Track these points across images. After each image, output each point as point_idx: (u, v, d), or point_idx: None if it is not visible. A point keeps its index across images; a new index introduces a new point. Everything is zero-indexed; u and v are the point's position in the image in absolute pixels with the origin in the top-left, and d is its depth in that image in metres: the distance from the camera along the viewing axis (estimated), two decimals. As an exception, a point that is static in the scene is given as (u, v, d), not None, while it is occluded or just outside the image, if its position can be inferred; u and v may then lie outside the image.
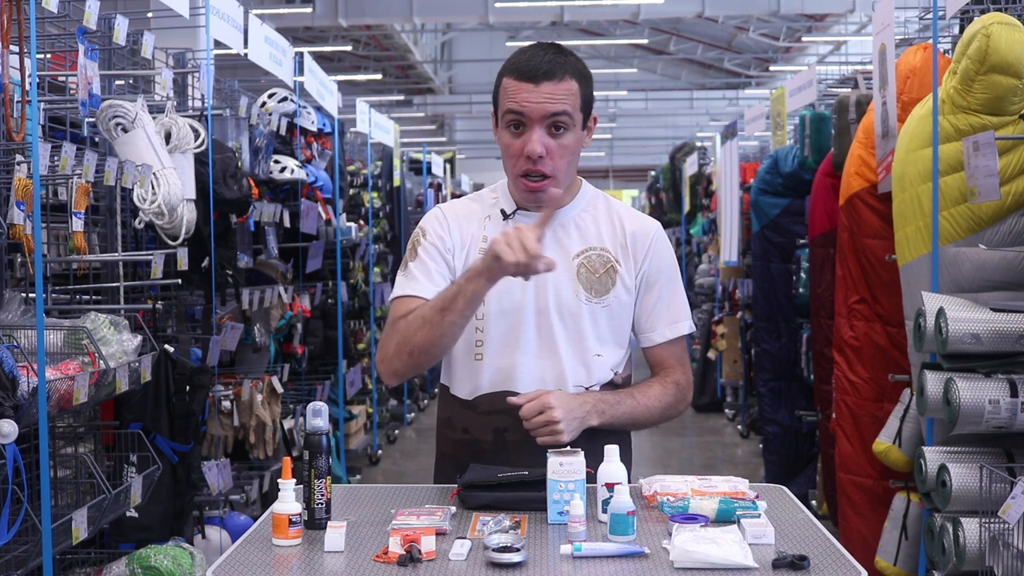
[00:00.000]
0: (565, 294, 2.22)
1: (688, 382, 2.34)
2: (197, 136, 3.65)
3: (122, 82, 4.21)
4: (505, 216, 2.29)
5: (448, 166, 12.45)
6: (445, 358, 2.29)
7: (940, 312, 3.01)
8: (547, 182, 2.19)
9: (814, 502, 5.50)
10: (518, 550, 1.73)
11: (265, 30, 4.94)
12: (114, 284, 3.65)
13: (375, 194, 8.18)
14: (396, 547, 1.78)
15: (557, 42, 2.29)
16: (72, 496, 3.36)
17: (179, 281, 3.70)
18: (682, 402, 2.32)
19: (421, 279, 2.23)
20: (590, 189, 2.35)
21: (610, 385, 2.24)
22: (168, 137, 3.54)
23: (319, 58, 7.83)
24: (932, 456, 3.20)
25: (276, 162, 5.19)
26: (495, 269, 2.04)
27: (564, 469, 1.93)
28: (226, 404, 4.50)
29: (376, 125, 7.98)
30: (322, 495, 1.95)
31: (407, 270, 2.26)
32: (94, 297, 3.73)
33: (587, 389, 2.22)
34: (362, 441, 7.24)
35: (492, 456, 2.20)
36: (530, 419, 2.10)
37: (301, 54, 5.61)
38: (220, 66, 7.47)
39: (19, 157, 2.81)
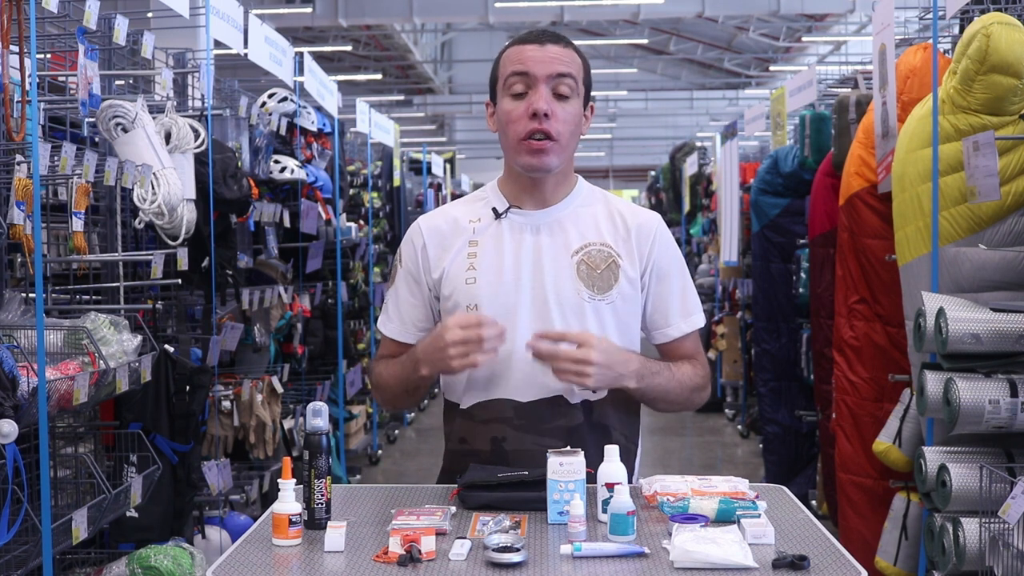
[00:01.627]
0: (566, 293, 2.16)
1: (708, 375, 2.30)
2: (197, 136, 3.65)
3: (122, 82, 4.21)
4: (497, 215, 2.22)
5: (448, 166, 12.46)
6: None
7: (940, 312, 3.01)
8: (551, 144, 2.14)
9: (814, 502, 5.50)
10: (518, 550, 1.73)
11: (265, 30, 4.94)
12: (114, 284, 3.65)
13: (375, 194, 8.18)
14: (396, 547, 1.78)
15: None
16: (72, 496, 3.36)
17: (179, 281, 3.70)
18: (705, 391, 2.28)
19: (395, 319, 2.28)
20: (586, 185, 2.29)
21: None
22: (168, 137, 3.54)
23: (319, 58, 7.84)
24: (932, 456, 3.20)
25: (276, 162, 5.19)
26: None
27: (564, 469, 1.93)
28: (226, 404, 4.50)
29: (376, 125, 7.98)
30: (322, 495, 1.95)
31: (386, 301, 2.32)
32: (94, 297, 3.73)
33: (594, 391, 2.17)
34: (362, 441, 7.24)
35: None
36: (562, 358, 2.05)
37: (301, 54, 5.61)
38: (220, 66, 7.47)
39: (19, 157, 2.81)
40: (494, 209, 2.23)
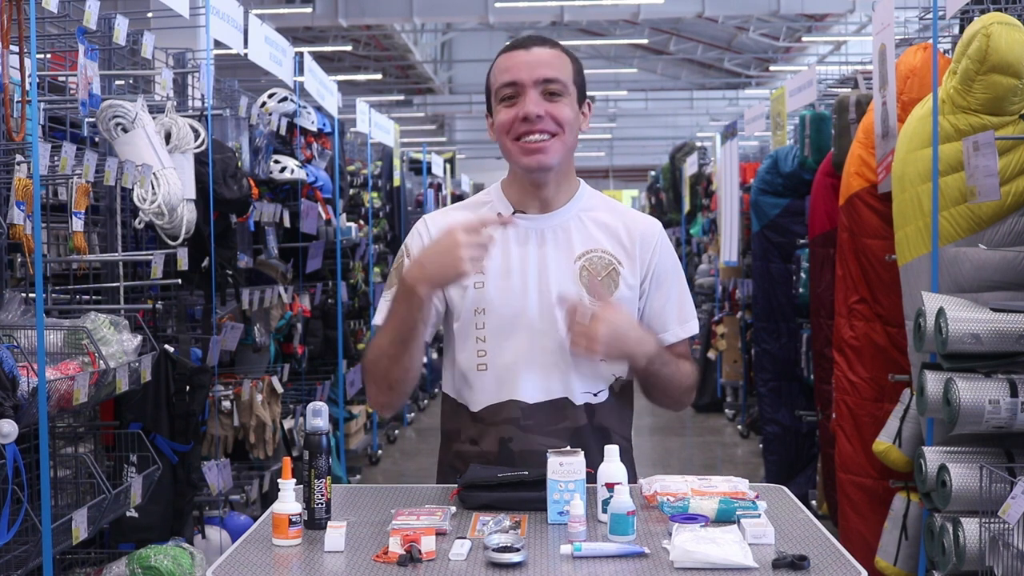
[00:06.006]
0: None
1: (697, 379, 2.36)
2: (197, 136, 3.65)
3: (122, 82, 4.21)
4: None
5: (448, 166, 12.46)
6: (448, 369, 2.26)
7: (940, 312, 3.01)
8: (548, 143, 2.15)
9: (814, 502, 5.50)
10: (518, 550, 1.73)
11: (265, 30, 4.94)
12: (114, 284, 3.65)
13: (375, 194, 8.18)
14: (396, 547, 1.78)
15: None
16: (72, 496, 3.36)
17: (179, 281, 3.70)
18: (692, 393, 2.34)
19: None
20: (588, 189, 2.31)
21: (610, 390, 2.23)
22: (168, 137, 3.54)
23: (319, 58, 7.83)
24: (932, 456, 3.20)
25: (276, 162, 5.19)
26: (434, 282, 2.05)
27: (564, 469, 1.93)
28: (226, 404, 4.50)
29: (376, 125, 7.98)
30: (322, 495, 1.95)
31: (383, 298, 2.24)
32: (94, 297, 3.73)
33: (595, 395, 2.20)
34: (362, 441, 7.24)
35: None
36: (575, 326, 2.07)
37: (301, 54, 5.61)
38: (220, 66, 7.47)
39: (19, 157, 2.81)
40: (499, 214, 2.24)
